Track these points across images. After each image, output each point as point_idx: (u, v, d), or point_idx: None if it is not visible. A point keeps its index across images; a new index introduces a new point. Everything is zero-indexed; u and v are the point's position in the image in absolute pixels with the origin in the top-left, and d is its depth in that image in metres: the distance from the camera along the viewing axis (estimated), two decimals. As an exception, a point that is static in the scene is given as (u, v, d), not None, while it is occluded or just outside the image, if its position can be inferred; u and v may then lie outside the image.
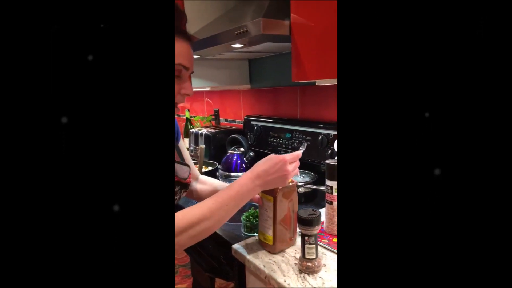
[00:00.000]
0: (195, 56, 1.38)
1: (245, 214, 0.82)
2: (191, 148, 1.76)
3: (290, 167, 0.61)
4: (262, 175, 0.60)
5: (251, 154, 1.47)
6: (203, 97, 2.19)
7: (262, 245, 0.68)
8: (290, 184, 0.65)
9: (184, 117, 2.14)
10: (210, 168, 1.35)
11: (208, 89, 1.59)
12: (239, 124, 1.84)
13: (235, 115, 1.89)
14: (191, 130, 1.76)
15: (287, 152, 1.37)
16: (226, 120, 1.97)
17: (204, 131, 1.66)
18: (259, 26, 0.82)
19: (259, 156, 1.54)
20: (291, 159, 0.62)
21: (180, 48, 0.58)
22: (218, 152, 1.62)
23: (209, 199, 0.58)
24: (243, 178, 0.60)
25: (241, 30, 0.88)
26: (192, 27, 1.41)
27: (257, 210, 0.73)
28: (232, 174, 1.43)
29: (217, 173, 1.38)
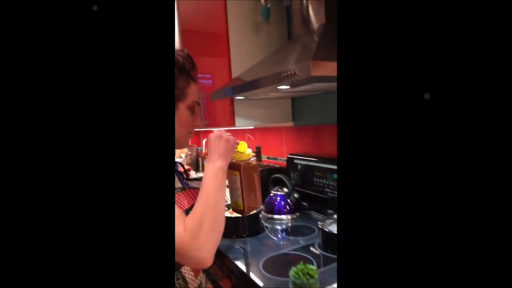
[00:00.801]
0: (239, 98, 1.40)
1: (294, 269, 0.75)
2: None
3: (223, 136, 0.73)
4: (214, 156, 0.70)
5: (295, 195, 1.40)
6: (245, 134, 2.21)
7: (235, 211, 0.80)
8: (252, 159, 0.82)
9: (226, 154, 2.16)
10: (254, 211, 1.29)
11: (252, 127, 1.60)
12: (281, 161, 1.80)
13: (277, 152, 1.86)
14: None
15: (334, 194, 1.28)
16: (268, 157, 1.94)
17: (246, 169, 1.64)
18: (308, 68, 0.80)
19: (303, 198, 1.50)
20: (218, 133, 0.74)
21: (194, 88, 0.75)
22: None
23: (199, 197, 0.65)
24: (208, 168, 0.70)
25: (289, 72, 0.87)
26: (237, 69, 1.45)
27: (307, 265, 0.75)
28: (276, 216, 1.36)
29: (260, 215, 1.32)
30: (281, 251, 1.06)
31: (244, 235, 1.20)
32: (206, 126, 1.89)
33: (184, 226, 0.59)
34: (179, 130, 0.74)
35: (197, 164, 2.87)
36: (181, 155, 2.87)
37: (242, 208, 0.77)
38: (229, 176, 0.78)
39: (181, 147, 0.80)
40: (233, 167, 0.77)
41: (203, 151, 2.61)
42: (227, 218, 1.17)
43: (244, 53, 1.47)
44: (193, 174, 2.61)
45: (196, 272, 0.79)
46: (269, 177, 1.54)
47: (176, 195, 0.73)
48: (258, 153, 2.02)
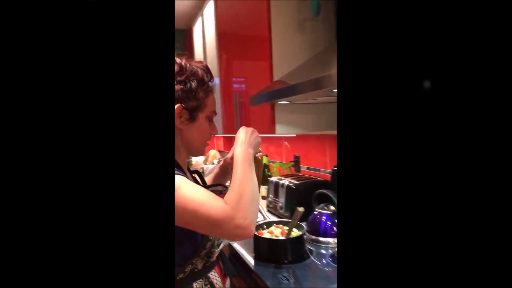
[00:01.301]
0: (282, 102, 1.26)
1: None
2: (270, 199, 1.59)
3: (255, 131, 0.81)
4: (246, 143, 0.75)
5: (344, 215, 1.22)
6: (282, 141, 2.06)
7: None
8: (258, 154, 0.90)
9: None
10: (299, 232, 1.13)
11: (293, 135, 1.44)
12: (324, 174, 1.62)
13: (318, 163, 1.69)
14: (270, 179, 1.61)
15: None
16: (308, 168, 1.78)
17: (286, 181, 1.48)
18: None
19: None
20: (251, 128, 0.82)
21: (212, 99, 0.78)
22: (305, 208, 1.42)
23: (235, 182, 0.69)
24: (239, 151, 0.74)
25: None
26: (278, 71, 1.30)
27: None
28: (321, 239, 1.19)
29: (304, 236, 1.16)
30: (333, 286, 0.89)
31: (286, 261, 1.04)
32: (242, 132, 1.78)
33: (224, 201, 0.64)
34: (198, 138, 0.78)
35: (229, 171, 2.77)
36: (213, 161, 2.79)
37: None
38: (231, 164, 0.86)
39: (198, 155, 0.84)
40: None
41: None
42: (264, 240, 1.03)
43: (287, 54, 1.33)
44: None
45: (222, 278, 0.81)
46: (312, 192, 1.38)
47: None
48: (296, 163, 1.86)
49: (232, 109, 1.87)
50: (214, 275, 0.77)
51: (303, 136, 1.81)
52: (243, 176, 0.69)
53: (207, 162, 2.85)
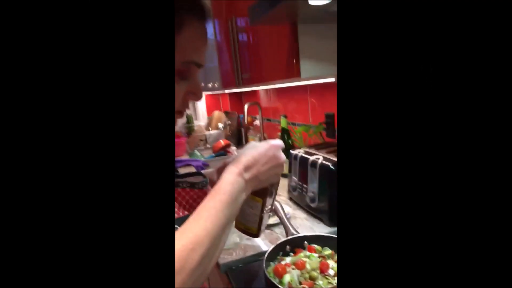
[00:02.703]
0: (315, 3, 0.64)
1: None
2: (293, 183, 1.04)
3: (277, 150, 0.51)
4: (251, 165, 0.47)
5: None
6: (307, 95, 1.45)
7: (241, 231, 0.58)
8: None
9: (279, 127, 1.43)
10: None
11: (333, 80, 0.83)
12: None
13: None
14: (292, 152, 1.04)
15: None
16: (348, 132, 1.19)
17: (319, 157, 0.91)
18: None
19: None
20: (274, 143, 0.51)
21: (192, 36, 0.43)
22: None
23: (195, 217, 0.42)
24: (230, 175, 0.46)
25: None
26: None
27: None
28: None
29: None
30: None
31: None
32: (246, 82, 1.17)
33: None
34: None
35: (239, 137, 2.23)
36: (218, 126, 2.24)
37: (256, 232, 0.55)
38: (247, 200, 0.52)
39: None
40: (257, 192, 0.52)
41: (246, 120, 1.92)
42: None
43: None
44: (233, 150, 1.97)
45: None
46: None
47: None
48: (330, 125, 1.26)
49: (229, 49, 1.26)
50: None
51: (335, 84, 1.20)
52: (212, 217, 0.42)
53: (210, 127, 2.30)
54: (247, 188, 0.47)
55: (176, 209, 0.52)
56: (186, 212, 0.53)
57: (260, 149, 0.50)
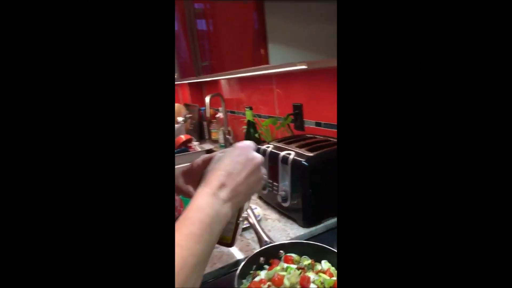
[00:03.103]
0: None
1: None
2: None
3: (254, 155, 0.44)
4: (224, 180, 0.40)
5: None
6: (272, 84, 1.37)
7: (218, 243, 0.49)
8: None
9: (244, 120, 1.34)
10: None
11: (304, 67, 0.75)
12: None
13: (334, 114, 1.04)
14: (260, 147, 0.96)
15: None
16: (317, 124, 1.13)
17: (291, 153, 0.84)
18: None
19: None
20: (246, 144, 0.45)
21: None
22: (325, 198, 0.80)
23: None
24: (201, 197, 0.39)
25: None
26: None
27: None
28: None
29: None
30: None
31: None
32: (207, 72, 1.05)
33: None
34: None
35: (200, 131, 2.10)
36: (177, 119, 2.08)
37: (230, 242, 0.50)
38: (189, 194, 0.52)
39: None
40: None
41: (208, 113, 1.80)
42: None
43: None
44: (195, 145, 1.85)
45: None
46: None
47: None
48: (298, 116, 1.20)
49: (186, 35, 1.13)
50: None
51: (304, 73, 1.13)
52: (186, 249, 0.35)
53: (170, 121, 2.14)
54: (228, 208, 0.40)
55: None
56: None
57: (230, 158, 0.42)
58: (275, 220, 0.86)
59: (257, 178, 0.43)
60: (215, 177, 0.40)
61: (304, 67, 0.73)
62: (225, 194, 0.40)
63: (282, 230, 0.80)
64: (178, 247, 0.34)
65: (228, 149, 0.44)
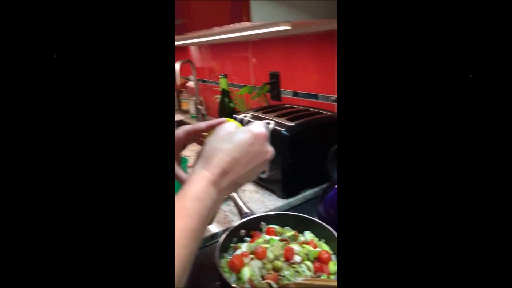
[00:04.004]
0: None
1: None
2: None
3: (263, 139, 0.38)
4: (228, 169, 0.36)
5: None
6: (247, 52, 1.29)
7: None
8: None
9: (219, 88, 1.26)
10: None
11: (288, 27, 0.69)
12: (327, 102, 0.97)
13: (317, 84, 1.01)
14: (235, 116, 0.91)
15: None
16: (295, 94, 1.09)
17: (271, 123, 0.80)
18: None
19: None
20: (258, 128, 0.39)
21: None
22: (305, 169, 0.78)
23: None
24: (201, 184, 0.34)
25: None
26: None
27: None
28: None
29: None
30: None
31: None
32: (181, 30, 0.95)
33: None
34: None
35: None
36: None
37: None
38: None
39: None
40: None
41: (178, 81, 1.68)
42: None
43: None
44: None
45: None
46: (320, 141, 0.74)
47: None
48: (275, 85, 1.15)
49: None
50: None
51: (279, 39, 1.07)
52: (182, 227, 0.31)
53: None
54: (221, 198, 0.37)
55: None
56: None
57: (242, 144, 0.37)
58: (252, 192, 0.83)
59: (259, 171, 0.39)
60: (218, 160, 0.35)
61: (288, 27, 0.67)
62: (225, 184, 0.35)
63: (260, 202, 0.78)
64: (175, 245, 0.30)
65: (241, 129, 0.39)
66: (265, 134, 0.39)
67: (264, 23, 0.65)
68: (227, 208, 0.75)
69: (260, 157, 0.38)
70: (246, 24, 0.63)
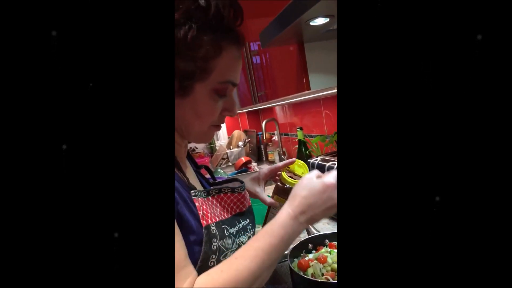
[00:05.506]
0: (314, 24, 0.73)
1: None
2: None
3: (332, 185, 0.47)
4: (307, 210, 0.46)
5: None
6: (320, 107, 1.52)
7: None
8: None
9: (296, 139, 1.50)
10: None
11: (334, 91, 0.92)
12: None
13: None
14: (310, 161, 1.10)
15: None
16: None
17: (336, 164, 0.97)
18: None
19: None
20: (330, 180, 0.48)
21: (229, 58, 0.47)
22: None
23: (241, 254, 0.43)
24: (285, 217, 0.46)
25: None
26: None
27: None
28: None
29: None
30: None
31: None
32: (262, 100, 1.26)
33: (206, 273, 0.42)
34: (195, 122, 0.49)
35: (258, 154, 2.30)
36: (238, 144, 2.33)
37: None
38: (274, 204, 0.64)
39: (199, 142, 0.55)
40: (283, 192, 0.62)
41: (265, 137, 2.00)
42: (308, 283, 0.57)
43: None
44: (254, 166, 2.04)
45: None
46: None
47: (196, 200, 0.49)
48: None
49: (244, 71, 1.37)
50: None
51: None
52: (259, 263, 0.42)
53: (231, 146, 2.40)
54: (300, 230, 0.47)
55: (222, 212, 0.53)
56: (230, 214, 0.54)
57: (316, 190, 0.47)
58: (324, 223, 0.98)
59: (332, 211, 0.48)
60: (299, 203, 0.46)
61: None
62: (304, 219, 0.46)
63: (330, 230, 0.92)
64: (260, 250, 0.42)
65: (317, 181, 0.48)
66: (333, 184, 0.47)
67: (321, 89, 0.87)
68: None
69: (329, 202, 0.47)
70: (307, 91, 0.86)
